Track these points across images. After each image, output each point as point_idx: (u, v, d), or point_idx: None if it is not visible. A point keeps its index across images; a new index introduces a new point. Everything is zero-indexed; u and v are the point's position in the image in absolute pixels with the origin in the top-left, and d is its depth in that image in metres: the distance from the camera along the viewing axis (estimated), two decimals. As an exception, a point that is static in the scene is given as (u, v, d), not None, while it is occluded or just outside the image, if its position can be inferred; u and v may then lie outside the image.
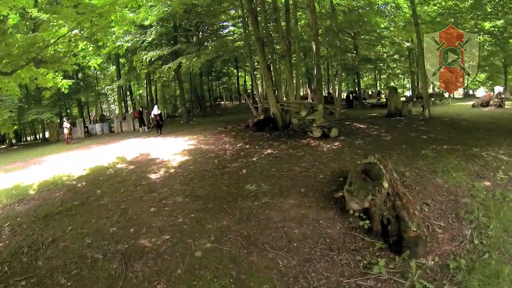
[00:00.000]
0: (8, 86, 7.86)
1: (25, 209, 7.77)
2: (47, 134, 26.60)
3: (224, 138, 14.20)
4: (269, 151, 10.91)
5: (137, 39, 15.50)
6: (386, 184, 5.50)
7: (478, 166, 7.79)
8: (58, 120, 23.85)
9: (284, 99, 18.92)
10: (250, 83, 51.38)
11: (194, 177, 8.73)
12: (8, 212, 7.70)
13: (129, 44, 14.38)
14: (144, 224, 6.17)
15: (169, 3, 13.95)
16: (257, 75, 47.84)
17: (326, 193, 6.74)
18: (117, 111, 34.47)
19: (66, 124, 20.74)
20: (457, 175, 7.15)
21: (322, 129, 12.55)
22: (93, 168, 10.84)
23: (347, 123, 16.15)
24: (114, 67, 29.53)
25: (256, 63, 22.51)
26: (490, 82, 39.52)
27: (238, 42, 19.97)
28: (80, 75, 30.06)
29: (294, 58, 19.10)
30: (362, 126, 15.15)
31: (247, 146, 11.93)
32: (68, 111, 34.45)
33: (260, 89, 21.95)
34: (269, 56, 18.55)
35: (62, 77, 10.25)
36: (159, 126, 18.91)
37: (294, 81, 17.71)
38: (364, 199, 5.39)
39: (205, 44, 18.77)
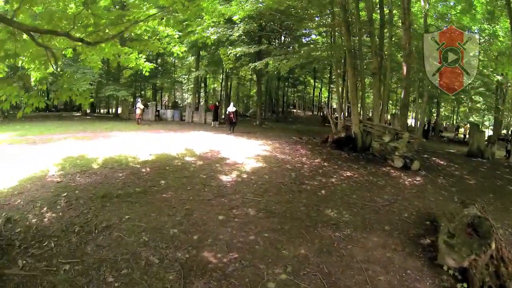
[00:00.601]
0: (91, 58, 7.49)
1: (86, 182, 7.28)
2: (119, 110, 27.27)
3: (300, 150, 13.15)
4: (348, 173, 9.91)
5: (224, 32, 14.92)
6: (493, 245, 4.76)
7: None
8: (132, 99, 24.22)
9: (368, 119, 17.35)
10: (326, 95, 50.31)
11: (269, 189, 7.70)
12: (68, 182, 7.27)
13: (216, 36, 13.76)
14: (210, 233, 5.24)
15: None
16: (334, 89, 46.94)
17: (412, 236, 5.91)
18: (189, 101, 34.95)
19: (140, 105, 20.82)
20: None
21: (404, 160, 11.43)
22: (159, 155, 10.22)
23: (425, 156, 14.96)
24: (193, 57, 29.68)
25: (334, 77, 21.36)
26: None
27: (323, 52, 18.67)
28: (159, 60, 30.59)
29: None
30: (441, 162, 14.16)
31: (325, 164, 10.90)
32: (142, 92, 35.45)
33: (343, 105, 20.53)
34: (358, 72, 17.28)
35: (145, 60, 9.94)
36: (232, 124, 18.21)
37: (381, 102, 16.14)
38: (466, 257, 4.65)
39: (292, 48, 17.78)
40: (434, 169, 12.13)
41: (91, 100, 6.31)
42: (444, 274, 4.71)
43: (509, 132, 34.20)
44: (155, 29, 7.23)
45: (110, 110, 34.74)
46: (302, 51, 14.57)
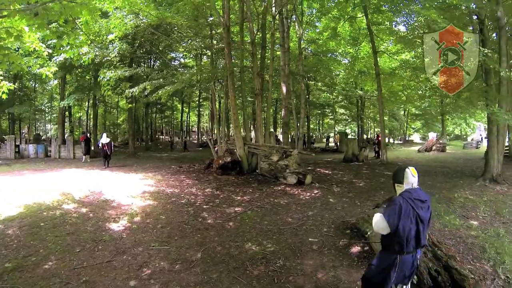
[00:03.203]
0: None
1: None
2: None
3: (186, 180, 12.63)
4: (246, 198, 9.86)
5: (101, 52, 13.49)
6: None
7: (459, 208, 8.38)
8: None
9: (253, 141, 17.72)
10: (194, 119, 50.50)
11: (172, 232, 6.87)
12: None
13: (94, 55, 12.26)
14: None
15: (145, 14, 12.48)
16: (205, 113, 47.24)
17: (341, 248, 5.98)
18: (52, 132, 30.88)
19: (-6, 141, 17.35)
20: (450, 218, 7.43)
21: (297, 176, 11.96)
22: (29, 206, 8.32)
23: (309, 168, 16.03)
24: (57, 81, 26.38)
25: (201, 101, 21.46)
26: (424, 129, 42.86)
27: (206, 74, 18.54)
28: (17, 84, 26.34)
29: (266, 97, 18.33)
30: (326, 171, 15.40)
31: (217, 192, 10.61)
32: (-6, 123, 30.12)
33: (220, 128, 20.67)
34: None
35: (1, 78, 8.16)
36: (107, 157, 16.61)
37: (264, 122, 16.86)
38: None
39: (165, 72, 17.11)
40: (324, 180, 13.04)
41: None
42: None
43: (373, 136, 39.62)
44: (19, 37, 5.67)
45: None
46: (185, 75, 13.99)
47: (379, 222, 3.22)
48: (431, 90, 19.09)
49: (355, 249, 5.88)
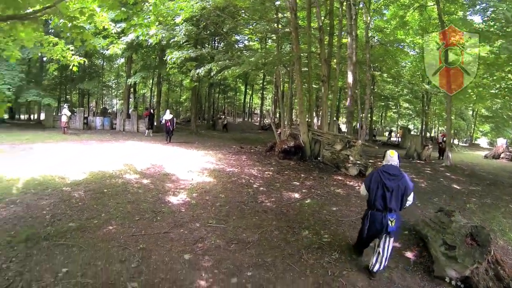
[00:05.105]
0: (6, 46, 5.92)
1: (1, 217, 5.65)
2: (42, 117, 24.21)
3: (247, 160, 12.43)
4: (306, 184, 9.45)
5: (168, 34, 13.67)
6: (492, 252, 4.80)
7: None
8: (57, 104, 21.49)
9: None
10: (257, 102, 50.49)
11: (231, 211, 6.73)
12: (-21, 219, 5.60)
13: (162, 36, 12.45)
14: (181, 283, 4.09)
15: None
16: (268, 96, 47.27)
17: (398, 249, 5.53)
18: (118, 107, 32.41)
19: (66, 112, 18.46)
20: (515, 236, 6.61)
21: (359, 167, 11.38)
22: (94, 173, 8.73)
23: (370, 160, 14.97)
24: (123, 60, 27.61)
25: (265, 84, 21.11)
26: (493, 133, 39.24)
27: (273, 58, 18.23)
28: (87, 62, 27.81)
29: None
30: None
31: (278, 176, 10.29)
32: (68, 97, 32.22)
33: (285, 113, 20.21)
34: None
35: (73, 53, 8.45)
36: (169, 133, 16.92)
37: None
38: (469, 267, 4.60)
39: (230, 53, 16.98)
40: (384, 174, 12.14)
41: (8, 105, 4.87)
42: (446, 285, 4.59)
43: (437, 135, 37.12)
44: (92, 16, 5.77)
45: (32, 117, 31.06)
46: (252, 58, 13.76)
47: (362, 188, 4.73)
48: (506, 89, 17.23)
49: (412, 252, 5.50)
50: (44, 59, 21.92)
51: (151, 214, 6.18)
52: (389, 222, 4.37)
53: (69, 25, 5.25)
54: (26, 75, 21.36)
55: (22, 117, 31.49)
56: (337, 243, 5.55)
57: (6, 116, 23.26)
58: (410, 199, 4.53)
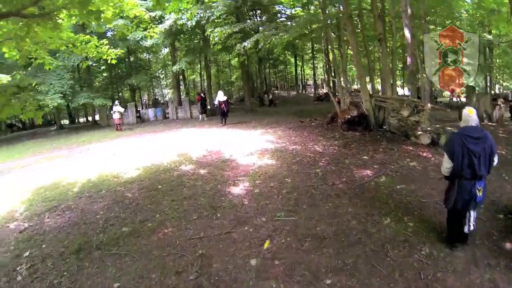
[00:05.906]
0: (37, 54, 5.71)
1: (56, 225, 5.43)
2: (97, 117, 25.04)
3: (308, 135, 11.28)
4: (377, 158, 8.17)
5: (204, 14, 12.99)
6: None
7: None
8: (110, 103, 21.91)
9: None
10: (308, 72, 48.80)
11: (300, 199, 5.83)
12: (34, 229, 5.41)
13: (197, 17, 11.81)
14: None
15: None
16: (318, 65, 45.50)
17: (496, 240, 4.41)
18: (169, 96, 32.76)
19: (118, 108, 18.50)
20: None
21: (431, 135, 9.80)
22: (147, 168, 8.29)
23: (438, 125, 12.81)
24: (168, 49, 27.56)
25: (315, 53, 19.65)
26: None
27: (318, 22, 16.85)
28: (132, 58, 28.43)
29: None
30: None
31: (345, 150, 9.09)
32: (120, 94, 33.20)
33: (342, 80, 18.84)
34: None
35: (108, 46, 8.15)
36: (224, 115, 16.19)
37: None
38: None
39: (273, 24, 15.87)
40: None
41: (43, 112, 4.47)
42: None
43: (501, 92, 33.19)
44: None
45: (89, 118, 32.54)
46: (301, 21, 12.65)
47: (445, 161, 4.10)
48: None
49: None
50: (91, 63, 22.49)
51: (210, 211, 5.53)
52: (477, 191, 3.94)
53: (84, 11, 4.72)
54: (77, 81, 22.13)
55: (81, 120, 33.10)
56: (424, 233, 4.57)
57: (66, 122, 24.49)
58: (495, 159, 4.03)
